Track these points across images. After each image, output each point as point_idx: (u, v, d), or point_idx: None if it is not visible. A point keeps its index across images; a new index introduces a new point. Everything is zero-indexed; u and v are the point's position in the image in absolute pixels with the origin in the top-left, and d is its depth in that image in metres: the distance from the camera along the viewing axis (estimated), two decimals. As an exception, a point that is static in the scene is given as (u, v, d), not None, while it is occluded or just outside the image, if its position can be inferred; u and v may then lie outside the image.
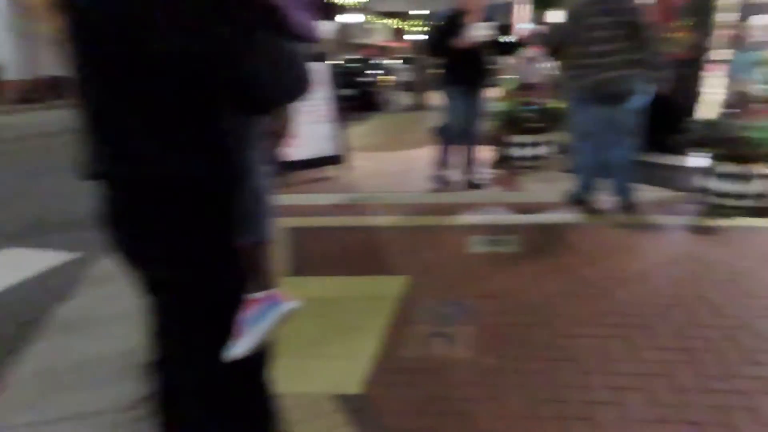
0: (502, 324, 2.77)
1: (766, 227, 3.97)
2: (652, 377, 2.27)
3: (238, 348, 1.23)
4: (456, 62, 4.97)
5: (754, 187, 4.01)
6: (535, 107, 5.70)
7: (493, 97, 7.30)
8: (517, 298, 3.04)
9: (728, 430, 1.95)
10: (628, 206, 4.46)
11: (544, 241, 3.88)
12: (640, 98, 4.36)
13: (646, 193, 4.81)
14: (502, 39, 5.05)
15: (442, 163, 5.29)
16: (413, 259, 3.64)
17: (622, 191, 4.53)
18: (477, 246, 3.82)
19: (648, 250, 3.65)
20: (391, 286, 3.22)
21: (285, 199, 5.03)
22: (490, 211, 4.58)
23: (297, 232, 4.16)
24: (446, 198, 5.06)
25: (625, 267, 3.38)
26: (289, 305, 1.34)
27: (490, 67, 5.18)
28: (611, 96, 4.33)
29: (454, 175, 5.35)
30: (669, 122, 5.68)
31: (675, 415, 2.04)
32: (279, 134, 1.47)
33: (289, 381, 2.34)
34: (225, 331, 1.25)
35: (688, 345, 2.50)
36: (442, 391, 2.27)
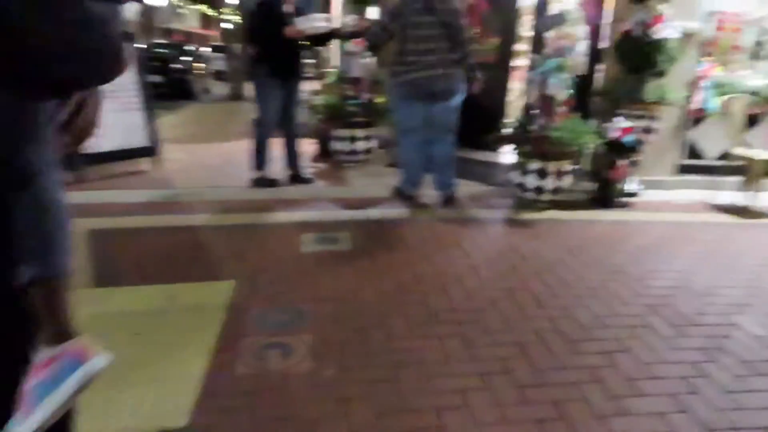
0: (341, 329, 2.62)
1: (569, 219, 4.37)
2: (493, 376, 2.29)
3: (25, 427, 0.88)
4: (273, 52, 4.72)
5: (554, 182, 4.39)
6: (359, 101, 5.67)
7: (312, 89, 7.20)
8: (353, 299, 2.92)
9: (566, 425, 2.03)
10: (450, 200, 4.63)
11: (374, 238, 3.83)
12: (460, 97, 4.56)
13: (464, 187, 5.04)
14: (323, 30, 4.90)
15: (261, 157, 5.01)
16: (240, 261, 3.33)
17: (445, 186, 4.69)
18: (308, 245, 3.63)
19: (472, 244, 3.79)
20: (216, 294, 2.89)
21: (85, 196, 4.35)
22: (317, 207, 4.42)
23: (100, 234, 3.59)
24: (270, 194, 4.77)
25: (454, 261, 3.45)
26: (94, 363, 1.01)
27: (306, 58, 5.03)
28: (433, 93, 4.45)
29: (275, 169, 5.09)
30: (483, 121, 6.06)
31: (519, 414, 2.06)
32: (77, 126, 1.10)
33: (99, 418, 1.95)
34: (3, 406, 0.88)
35: (520, 339, 2.58)
36: (282, 412, 2.05)
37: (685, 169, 5.69)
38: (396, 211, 4.37)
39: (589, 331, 2.68)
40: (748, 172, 4.99)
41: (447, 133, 4.64)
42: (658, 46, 4.77)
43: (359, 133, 5.61)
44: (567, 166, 4.39)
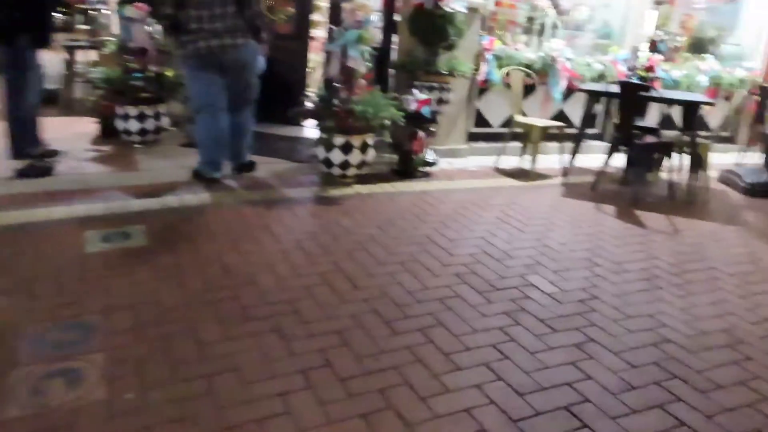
0: (140, 342, 2.28)
1: (376, 193, 4.40)
2: (315, 371, 2.17)
3: None
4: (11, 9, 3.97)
5: (359, 156, 4.37)
6: (144, 74, 5.04)
7: (88, 60, 6.28)
8: (153, 304, 2.56)
9: (393, 413, 1.99)
10: (244, 168, 4.55)
11: (174, 230, 3.43)
12: (257, 68, 4.33)
13: (268, 165, 4.82)
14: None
15: (24, 140, 4.23)
16: (8, 271, 2.74)
17: (238, 155, 4.52)
18: (93, 244, 3.12)
19: (281, 226, 3.60)
20: (-30, 321, 2.34)
21: None
22: (102, 197, 3.84)
23: None
24: (40, 185, 4.03)
25: (264, 248, 3.24)
26: None
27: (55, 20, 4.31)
28: (223, 65, 4.14)
29: (40, 153, 4.33)
30: (283, 94, 5.83)
31: (345, 410, 1.97)
32: None
33: None
34: None
35: (337, 326, 2.50)
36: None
37: (474, 137, 6.12)
38: (196, 196, 3.99)
39: (405, 308, 2.70)
40: (527, 138, 5.51)
41: (244, 106, 4.40)
42: (448, 19, 4.97)
43: (148, 110, 5.00)
44: (370, 139, 4.40)
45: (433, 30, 4.99)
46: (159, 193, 3.96)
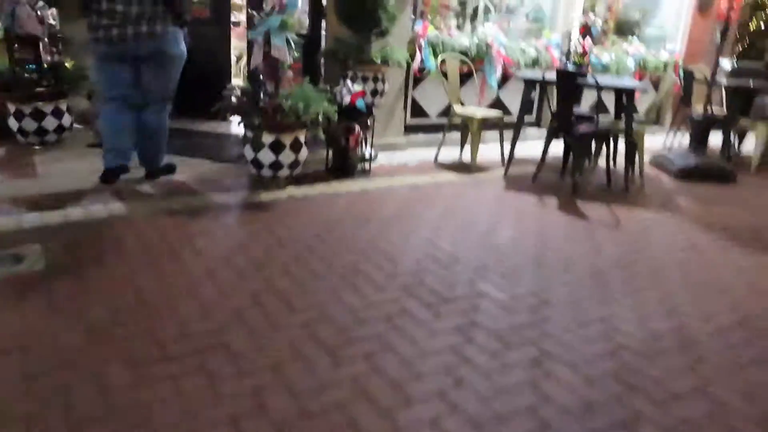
0: (30, 394, 1.90)
1: (312, 195, 4.09)
2: (247, 418, 1.86)
3: None
4: None
5: (291, 155, 4.04)
6: (39, 66, 4.48)
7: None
8: (49, 345, 2.17)
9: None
10: (156, 173, 4.12)
11: (78, 249, 2.99)
12: (178, 60, 3.89)
13: (190, 167, 4.41)
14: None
15: None
16: None
17: (150, 159, 4.08)
18: (-23, 273, 2.67)
19: (206, 239, 3.24)
20: None
21: None
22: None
23: None
24: None
25: (185, 267, 2.87)
26: None
27: None
28: (137, 55, 3.70)
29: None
30: (205, 86, 5.36)
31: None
32: None
33: None
34: None
35: (272, 359, 2.18)
36: None
37: (412, 129, 5.89)
38: (106, 207, 3.54)
39: (348, 332, 2.42)
40: (466, 129, 5.32)
41: (160, 102, 3.95)
42: (379, 3, 4.66)
43: (46, 106, 4.45)
44: (302, 136, 4.07)
45: (363, 15, 4.68)
46: (60, 204, 3.48)
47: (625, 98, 4.81)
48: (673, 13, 8.09)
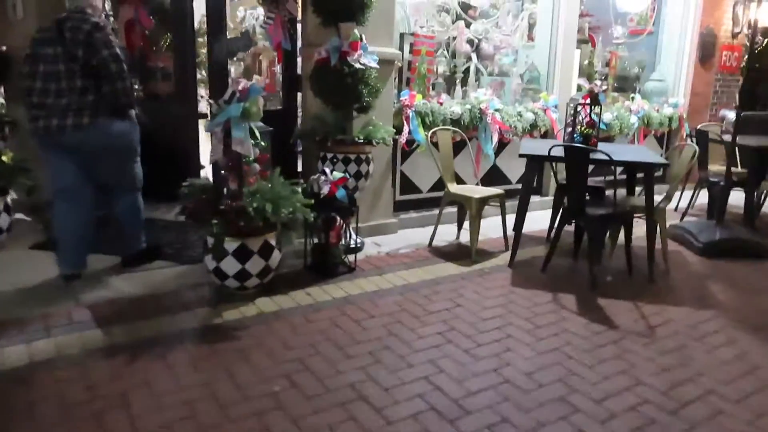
0: None
1: (285, 309, 3.41)
2: None
3: None
4: None
5: (259, 262, 3.39)
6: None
7: None
8: None
9: None
10: (135, 260, 3.85)
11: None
12: (122, 149, 3.47)
13: (144, 272, 3.77)
14: None
15: None
16: None
17: (134, 255, 3.83)
18: None
19: (145, 396, 2.53)
20: None
21: None
22: None
23: None
24: None
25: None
26: None
27: None
28: (71, 146, 3.33)
29: None
30: (170, 168, 4.78)
31: None
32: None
33: None
34: None
35: None
36: None
37: (402, 206, 5.30)
38: (28, 347, 2.86)
39: None
40: (464, 210, 4.74)
41: (127, 191, 3.65)
42: (359, 77, 4.10)
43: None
44: (272, 239, 3.43)
45: (342, 91, 4.10)
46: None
47: (645, 175, 4.24)
48: (673, 65, 7.67)
